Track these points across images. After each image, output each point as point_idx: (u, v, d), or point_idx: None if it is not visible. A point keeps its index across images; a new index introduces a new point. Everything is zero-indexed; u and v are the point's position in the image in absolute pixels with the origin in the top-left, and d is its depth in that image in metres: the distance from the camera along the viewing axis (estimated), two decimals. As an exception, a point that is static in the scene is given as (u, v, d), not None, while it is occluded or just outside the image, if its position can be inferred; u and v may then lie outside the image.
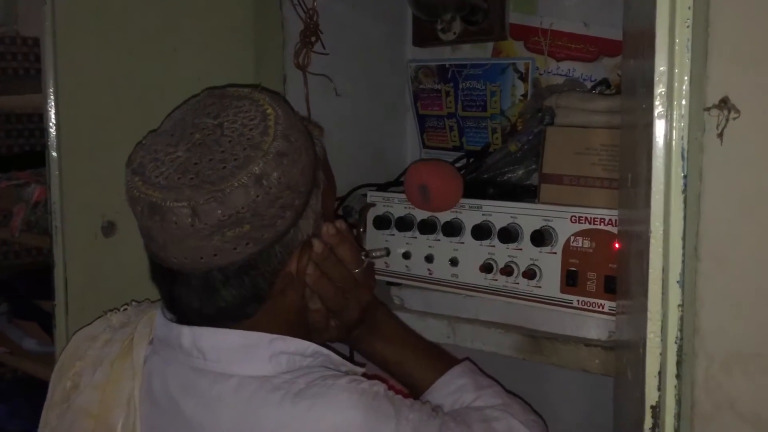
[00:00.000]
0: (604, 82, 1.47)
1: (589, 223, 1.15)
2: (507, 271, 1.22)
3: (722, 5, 0.67)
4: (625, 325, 0.96)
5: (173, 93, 1.10)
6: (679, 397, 0.69)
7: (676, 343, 0.69)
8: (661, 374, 0.69)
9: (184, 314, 0.98)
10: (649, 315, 0.69)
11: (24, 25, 2.40)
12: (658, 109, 0.69)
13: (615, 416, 1.10)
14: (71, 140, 1.29)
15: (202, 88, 1.04)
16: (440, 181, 1.27)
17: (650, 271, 0.69)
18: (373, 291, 1.12)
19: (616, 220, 1.12)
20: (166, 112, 1.01)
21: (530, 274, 1.19)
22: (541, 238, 1.17)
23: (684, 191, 0.68)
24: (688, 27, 0.67)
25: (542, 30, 1.60)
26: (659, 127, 0.69)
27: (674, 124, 0.68)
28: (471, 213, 1.26)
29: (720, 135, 0.68)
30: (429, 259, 1.31)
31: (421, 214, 1.32)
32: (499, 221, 1.23)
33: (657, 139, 0.69)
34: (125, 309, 1.13)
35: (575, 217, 1.16)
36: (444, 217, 1.29)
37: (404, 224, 1.33)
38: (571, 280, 1.16)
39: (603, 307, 1.14)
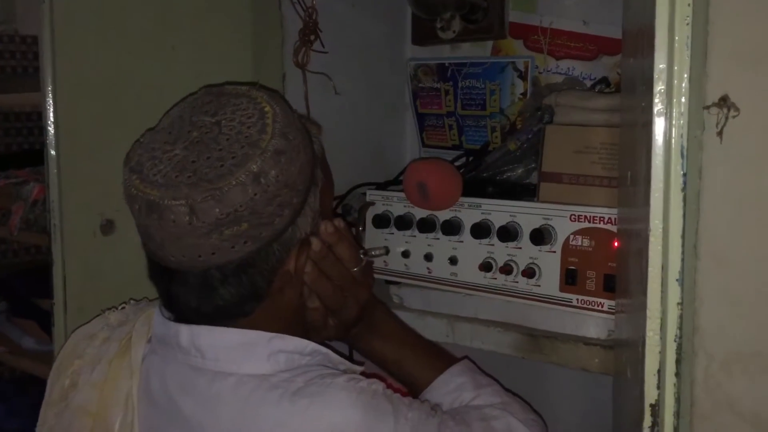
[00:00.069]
0: (604, 81, 1.47)
1: (589, 221, 1.15)
2: (506, 269, 1.21)
3: (722, 3, 0.67)
4: (624, 323, 0.95)
5: (172, 91, 1.10)
6: (679, 396, 0.69)
7: (675, 341, 0.69)
8: (661, 373, 0.69)
9: (182, 313, 0.98)
10: (648, 313, 0.69)
11: (23, 23, 2.40)
12: (658, 106, 0.68)
13: (614, 415, 1.10)
14: (70, 139, 1.29)
15: (200, 86, 1.04)
16: (439, 179, 1.26)
17: (649, 269, 0.69)
18: (371, 289, 1.12)
19: (615, 219, 1.12)
20: (164, 111, 1.01)
21: (529, 272, 1.19)
22: (540, 236, 1.17)
23: (683, 189, 0.68)
24: (687, 24, 0.67)
25: (542, 28, 1.60)
26: (659, 125, 0.68)
27: (674, 122, 0.68)
28: (470, 211, 1.26)
29: (719, 133, 0.68)
30: (428, 257, 1.31)
31: (420, 213, 1.32)
32: (498, 220, 1.23)
33: (656, 137, 0.68)
34: (123, 307, 1.13)
35: (574, 215, 1.16)
36: (443, 215, 1.29)
37: (403, 223, 1.33)
38: (570, 279, 1.16)
39: (602, 306, 1.14)
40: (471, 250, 1.26)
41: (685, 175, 0.68)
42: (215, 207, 0.86)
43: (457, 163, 1.53)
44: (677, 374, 0.69)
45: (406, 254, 1.34)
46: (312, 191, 0.97)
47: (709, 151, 0.68)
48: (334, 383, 0.92)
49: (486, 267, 1.24)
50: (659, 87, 0.68)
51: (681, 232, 0.68)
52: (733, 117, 0.67)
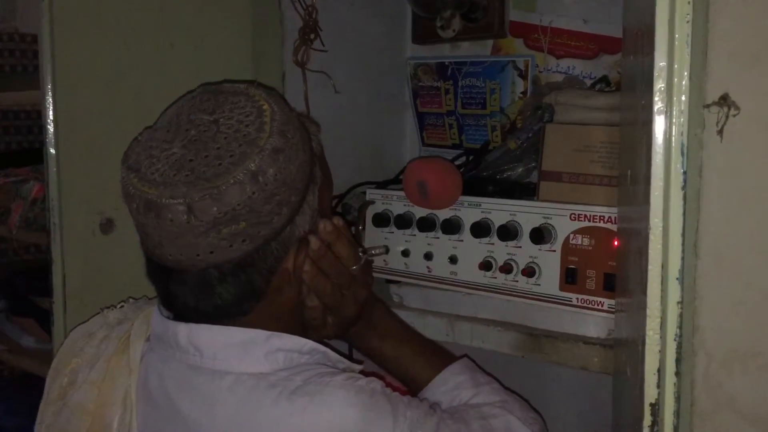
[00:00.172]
0: (604, 80, 1.46)
1: (589, 220, 1.14)
2: (506, 268, 1.21)
3: (723, 1, 0.67)
4: (624, 322, 0.95)
5: (171, 90, 1.10)
6: (679, 395, 0.69)
7: (675, 340, 0.68)
8: (661, 372, 0.69)
9: (181, 311, 0.98)
10: (648, 312, 0.69)
11: (23, 21, 2.39)
12: (658, 105, 0.68)
13: (614, 414, 1.09)
14: (69, 137, 1.29)
15: (199, 84, 1.04)
16: (438, 177, 1.26)
17: (649, 268, 0.69)
18: (370, 288, 1.12)
19: (615, 218, 1.12)
20: (164, 109, 1.01)
21: (529, 271, 1.19)
22: (540, 235, 1.17)
23: (683, 188, 0.68)
24: (688, 22, 0.67)
25: (542, 27, 1.59)
26: (659, 124, 0.68)
27: (674, 121, 0.68)
28: (470, 210, 1.26)
29: (720, 132, 0.67)
30: (428, 256, 1.31)
31: (420, 212, 1.32)
32: (498, 219, 1.23)
33: (656, 136, 0.68)
34: (122, 306, 1.13)
35: (574, 214, 1.16)
36: (443, 214, 1.29)
37: (403, 222, 1.33)
38: (570, 278, 1.16)
39: (602, 305, 1.14)
40: (471, 249, 1.26)
41: (685, 173, 0.68)
42: (213, 206, 0.86)
43: (457, 162, 1.53)
44: (677, 373, 0.69)
45: (405, 253, 1.34)
46: (311, 190, 0.97)
47: (709, 149, 0.68)
48: (333, 382, 0.92)
49: (486, 266, 1.23)
50: (659, 85, 0.68)
51: (681, 230, 0.68)
52: (734, 116, 0.67)
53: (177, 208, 0.86)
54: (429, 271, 1.31)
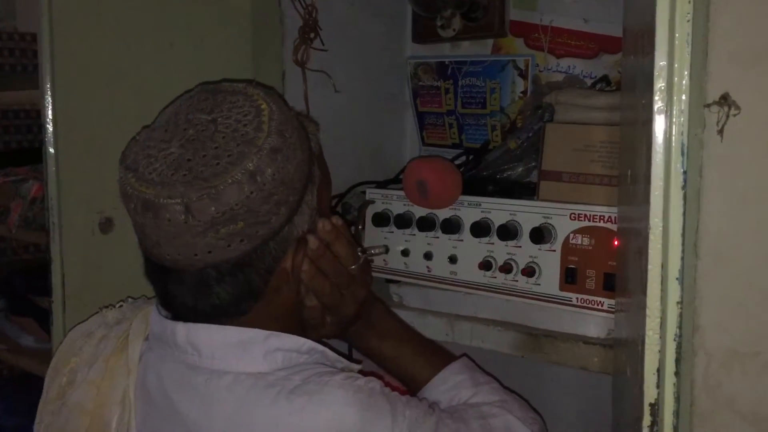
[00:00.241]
0: (605, 79, 1.46)
1: (589, 220, 1.14)
2: (506, 268, 1.21)
3: (723, 0, 0.67)
4: (624, 322, 0.95)
5: (171, 89, 1.10)
6: (678, 395, 0.69)
7: (675, 340, 0.68)
8: (660, 372, 0.69)
9: (179, 311, 0.98)
10: (647, 312, 0.69)
11: (22, 20, 2.39)
12: (658, 104, 0.68)
13: (614, 414, 1.09)
14: (68, 136, 1.28)
15: (199, 84, 1.04)
16: (438, 177, 1.26)
17: (649, 267, 0.69)
18: (369, 287, 1.12)
19: (615, 218, 1.12)
20: (163, 108, 1.01)
21: (529, 271, 1.19)
22: (540, 235, 1.17)
23: (684, 187, 0.68)
24: (688, 21, 0.66)
25: (542, 27, 1.59)
26: (659, 123, 0.68)
27: (674, 120, 0.67)
28: (470, 210, 1.26)
29: (720, 131, 0.67)
30: (428, 256, 1.31)
31: (420, 211, 1.32)
32: (498, 218, 1.23)
33: (657, 135, 0.68)
34: (121, 306, 1.13)
35: (574, 214, 1.15)
36: (443, 214, 1.29)
37: (403, 221, 1.33)
38: (570, 278, 1.16)
39: (602, 305, 1.14)
40: (471, 249, 1.26)
41: (685, 173, 0.68)
42: (211, 205, 0.86)
43: (457, 162, 1.53)
44: (677, 373, 0.68)
45: (405, 253, 1.34)
46: (309, 189, 0.97)
47: (709, 149, 0.68)
48: (331, 381, 0.92)
49: (486, 266, 1.23)
50: (659, 84, 0.68)
51: (681, 230, 0.68)
52: (734, 115, 0.67)
53: (175, 208, 0.86)
54: (429, 271, 1.31)
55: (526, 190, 1.34)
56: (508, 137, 1.47)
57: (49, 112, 1.27)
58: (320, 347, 0.99)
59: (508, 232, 1.20)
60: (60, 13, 1.26)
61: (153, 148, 0.92)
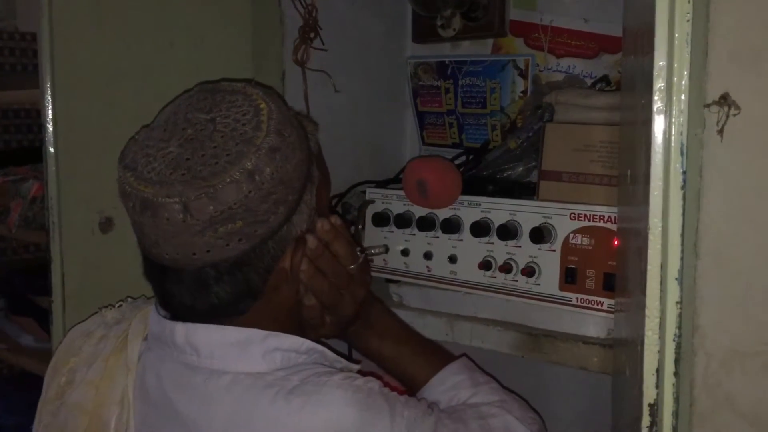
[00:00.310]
0: (605, 79, 1.46)
1: (589, 220, 1.14)
2: (506, 268, 1.21)
3: (723, 0, 0.67)
4: (623, 322, 0.95)
5: (171, 88, 1.10)
6: (677, 395, 0.69)
7: (674, 340, 0.68)
8: (659, 372, 0.69)
9: (178, 311, 0.98)
10: (647, 312, 0.69)
11: (23, 20, 2.39)
12: (657, 104, 0.68)
13: (613, 414, 1.09)
14: (68, 136, 1.28)
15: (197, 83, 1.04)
16: (438, 177, 1.26)
17: (648, 268, 0.69)
18: (368, 287, 1.12)
19: (615, 217, 1.12)
20: (162, 108, 1.01)
21: (529, 271, 1.19)
22: (540, 235, 1.17)
23: (683, 187, 0.68)
24: (688, 21, 0.66)
25: (542, 26, 1.59)
26: (658, 123, 0.68)
27: (673, 120, 0.67)
28: (470, 210, 1.26)
29: (720, 131, 0.67)
30: (428, 256, 1.31)
31: (419, 211, 1.31)
32: (498, 218, 1.23)
33: (656, 135, 0.68)
34: (120, 305, 1.13)
35: (574, 214, 1.15)
36: (443, 214, 1.29)
37: (403, 221, 1.32)
38: (570, 278, 1.16)
39: (602, 305, 1.13)
40: (470, 249, 1.25)
41: (684, 173, 0.68)
42: (209, 204, 0.86)
43: (457, 162, 1.53)
44: (676, 374, 0.68)
45: (405, 252, 1.34)
46: (308, 189, 0.97)
47: (709, 149, 0.68)
48: (330, 381, 0.92)
49: (485, 266, 1.23)
50: (659, 84, 0.68)
51: (680, 230, 0.68)
52: (734, 115, 0.67)
53: (173, 207, 0.86)
54: (428, 271, 1.31)
55: (525, 190, 1.34)
56: (508, 137, 1.47)
57: (49, 111, 1.27)
58: (319, 347, 0.99)
59: (507, 232, 1.20)
60: (60, 12, 1.26)
61: (152, 147, 0.92)
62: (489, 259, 1.23)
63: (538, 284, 1.19)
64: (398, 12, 1.76)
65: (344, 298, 1.06)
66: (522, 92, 1.62)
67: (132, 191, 0.89)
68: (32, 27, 2.28)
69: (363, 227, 1.39)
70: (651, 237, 0.68)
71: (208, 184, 0.86)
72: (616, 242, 1.11)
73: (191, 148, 0.89)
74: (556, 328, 1.20)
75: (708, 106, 0.67)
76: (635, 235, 0.79)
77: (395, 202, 1.35)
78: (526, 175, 1.40)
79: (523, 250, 1.20)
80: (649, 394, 0.69)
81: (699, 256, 0.69)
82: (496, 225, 1.22)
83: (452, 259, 1.28)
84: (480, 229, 1.23)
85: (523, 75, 1.62)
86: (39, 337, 2.13)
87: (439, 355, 1.17)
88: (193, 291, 0.94)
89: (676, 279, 0.68)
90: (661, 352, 0.69)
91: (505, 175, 1.41)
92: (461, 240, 1.27)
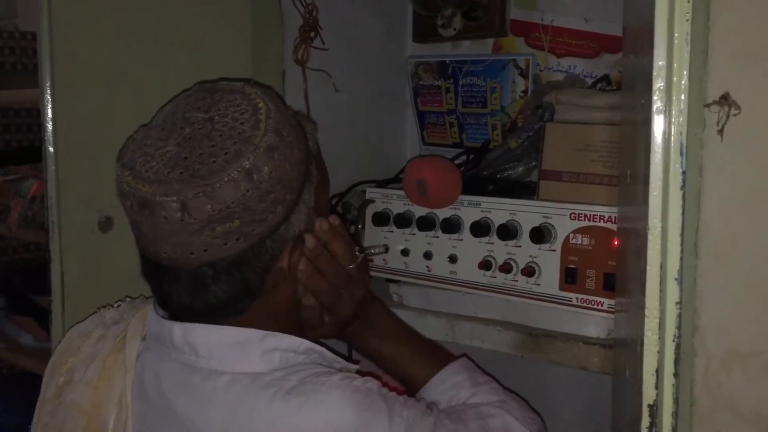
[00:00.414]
0: (605, 79, 1.46)
1: (589, 220, 1.14)
2: (506, 268, 1.21)
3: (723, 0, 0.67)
4: (623, 322, 0.95)
5: (170, 88, 1.09)
6: (677, 396, 0.68)
7: (674, 341, 0.68)
8: (659, 373, 0.68)
9: (175, 310, 0.98)
10: (646, 312, 0.69)
11: (23, 19, 2.39)
12: (657, 104, 0.68)
13: (613, 414, 1.09)
14: (68, 135, 1.28)
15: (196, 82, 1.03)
16: (438, 177, 1.26)
17: (648, 268, 0.68)
18: (367, 287, 1.11)
19: (615, 217, 1.11)
20: (161, 107, 1.00)
21: (529, 271, 1.19)
22: (540, 235, 1.17)
23: (682, 187, 0.67)
24: (687, 21, 0.66)
25: (543, 26, 1.59)
26: (658, 123, 0.68)
27: (673, 120, 0.67)
28: (470, 210, 1.26)
29: (720, 131, 0.67)
30: (428, 256, 1.31)
31: (419, 211, 1.31)
32: (498, 218, 1.22)
33: (655, 135, 0.68)
34: (119, 305, 1.12)
35: (574, 214, 1.15)
36: (443, 213, 1.28)
37: (403, 221, 1.32)
38: (570, 278, 1.15)
39: (602, 305, 1.13)
40: (470, 249, 1.25)
41: (684, 173, 0.67)
42: (207, 203, 0.86)
43: (457, 161, 1.52)
44: (676, 374, 0.68)
45: (405, 252, 1.33)
46: (306, 188, 0.97)
47: (709, 149, 0.68)
48: (329, 382, 0.92)
49: (485, 265, 1.23)
50: (658, 84, 0.68)
51: (680, 230, 0.68)
52: (734, 115, 0.66)
53: (171, 206, 0.86)
54: (428, 271, 1.31)
55: (526, 190, 1.34)
56: (508, 137, 1.47)
57: (49, 110, 1.27)
58: (318, 347, 0.98)
59: (508, 232, 1.20)
60: (60, 12, 1.26)
61: (150, 146, 0.92)
62: (489, 258, 1.23)
63: (538, 284, 1.19)
64: (399, 11, 1.76)
65: (343, 298, 1.05)
66: (522, 92, 1.62)
67: (130, 190, 0.89)
68: (32, 26, 2.29)
69: (363, 227, 1.39)
70: (651, 237, 0.68)
71: (206, 183, 0.86)
72: (616, 242, 1.11)
73: (189, 147, 0.89)
74: (556, 328, 1.19)
75: (708, 105, 0.67)
76: (635, 235, 0.78)
77: (395, 202, 1.35)
78: (526, 174, 1.39)
79: (523, 250, 1.20)
80: (648, 395, 0.69)
81: (699, 257, 0.69)
82: (496, 225, 1.22)
83: (452, 259, 1.27)
84: (480, 228, 1.23)
85: (524, 74, 1.62)
86: (38, 337, 2.13)
87: (438, 355, 1.17)
88: (190, 290, 0.93)
89: (675, 279, 0.68)
90: (661, 352, 0.68)
91: (505, 174, 1.41)
92: (461, 240, 1.27)
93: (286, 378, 0.93)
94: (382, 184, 1.51)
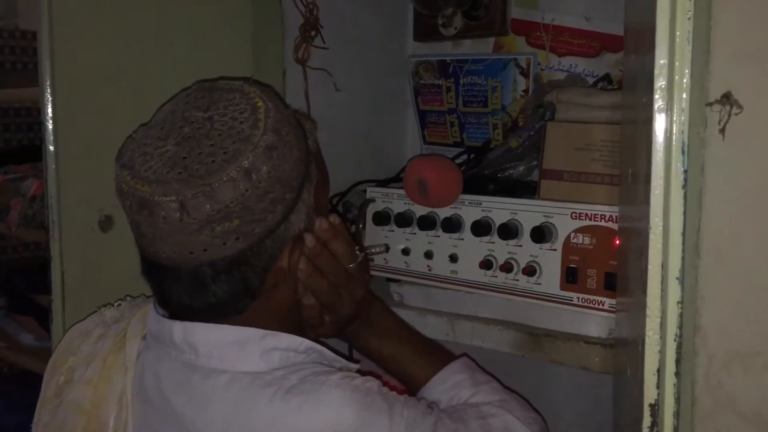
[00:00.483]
0: (606, 78, 1.46)
1: (590, 219, 1.14)
2: (507, 267, 1.21)
3: (725, -2, 0.67)
4: (624, 322, 0.95)
5: (171, 87, 1.09)
6: (678, 396, 0.68)
7: (675, 340, 0.68)
8: (660, 372, 0.68)
9: (175, 310, 0.97)
10: (648, 312, 0.68)
11: (24, 18, 2.39)
12: (659, 103, 0.68)
13: (614, 414, 1.09)
14: (68, 134, 1.28)
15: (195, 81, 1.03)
16: (439, 176, 1.26)
17: (649, 267, 0.68)
18: (367, 286, 1.11)
19: (616, 217, 1.11)
20: (160, 106, 1.00)
21: (530, 270, 1.19)
22: (541, 234, 1.16)
23: (684, 186, 0.67)
24: (689, 19, 0.66)
25: (544, 25, 1.59)
26: (659, 122, 0.68)
27: (675, 119, 0.67)
28: (471, 209, 1.25)
29: (722, 130, 0.67)
30: (428, 255, 1.30)
31: (420, 210, 1.31)
32: (499, 217, 1.22)
33: (657, 134, 0.68)
34: (119, 304, 1.12)
35: (576, 213, 1.15)
36: (443, 213, 1.28)
37: (404, 220, 1.32)
38: (571, 277, 1.15)
39: (603, 305, 1.13)
40: (471, 248, 1.25)
41: (686, 172, 0.67)
42: (206, 203, 0.86)
43: (458, 161, 1.52)
44: (677, 374, 0.68)
45: (406, 252, 1.33)
46: (306, 187, 0.96)
47: (711, 148, 0.67)
48: (329, 381, 0.92)
49: (486, 265, 1.23)
50: (660, 83, 0.67)
51: (681, 230, 0.67)
52: (736, 114, 0.66)
53: (170, 206, 0.86)
54: (429, 270, 1.31)
55: (527, 189, 1.34)
56: (509, 136, 1.46)
57: (49, 110, 1.27)
58: (318, 346, 0.98)
59: (508, 231, 1.20)
60: (60, 11, 1.26)
61: (149, 145, 0.92)
62: (490, 258, 1.23)
63: (539, 283, 1.19)
64: (399, 10, 1.76)
65: (343, 298, 1.05)
66: (523, 91, 1.62)
67: (129, 190, 0.89)
68: (33, 25, 2.28)
69: (364, 226, 1.39)
70: (652, 236, 0.68)
71: (204, 182, 0.86)
72: (617, 241, 1.11)
73: (188, 147, 0.89)
74: (557, 327, 1.19)
75: (710, 104, 0.67)
76: (636, 235, 0.78)
77: (396, 201, 1.35)
78: (527, 174, 1.39)
79: (524, 250, 1.20)
80: (650, 395, 0.68)
81: (700, 256, 0.68)
82: (497, 224, 1.22)
83: (453, 259, 1.27)
84: (481, 228, 1.22)
85: (525, 74, 1.62)
86: (39, 336, 2.13)
87: (439, 355, 1.17)
88: (190, 290, 0.93)
89: (677, 278, 0.68)
90: (662, 352, 0.68)
91: (506, 174, 1.41)
92: (462, 239, 1.26)
93: (286, 377, 0.92)
94: (383, 183, 1.51)
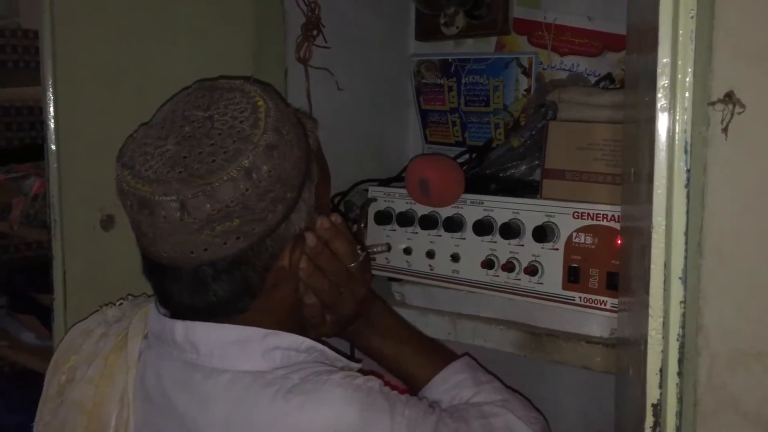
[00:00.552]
0: (609, 77, 1.46)
1: (592, 218, 1.14)
2: (508, 267, 1.21)
3: (728, -4, 0.66)
4: (627, 322, 0.95)
5: (173, 86, 1.09)
6: (681, 396, 0.68)
7: (678, 340, 0.68)
8: (663, 372, 0.68)
9: (177, 309, 0.97)
10: (650, 312, 0.68)
11: (26, 17, 2.40)
12: (661, 102, 0.67)
13: (617, 414, 1.09)
14: (70, 133, 1.28)
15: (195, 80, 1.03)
16: (441, 175, 1.26)
17: (652, 266, 0.68)
18: (369, 285, 1.11)
19: (618, 216, 1.11)
20: (161, 106, 1.00)
21: (532, 270, 1.19)
22: (543, 234, 1.16)
23: (687, 185, 0.67)
24: (692, 18, 0.66)
25: (546, 24, 1.59)
26: (662, 121, 0.67)
27: (677, 118, 0.67)
28: (472, 208, 1.25)
29: (725, 130, 0.67)
30: (430, 254, 1.30)
31: (422, 210, 1.31)
32: (500, 217, 1.22)
33: (660, 133, 0.68)
34: (121, 303, 1.12)
35: (578, 212, 1.15)
36: (445, 212, 1.28)
37: (405, 219, 1.32)
38: (573, 277, 1.15)
39: (605, 304, 1.13)
40: (473, 247, 1.25)
41: (688, 171, 0.67)
42: (206, 203, 0.86)
43: (460, 160, 1.52)
44: (680, 374, 0.68)
45: (407, 251, 1.33)
46: (307, 186, 0.96)
47: (714, 147, 0.67)
48: (330, 380, 0.92)
49: (488, 264, 1.23)
50: (663, 82, 0.67)
51: (684, 229, 0.67)
52: (739, 113, 0.66)
53: (170, 206, 0.86)
54: (431, 269, 1.31)
55: (529, 189, 1.34)
56: (511, 135, 1.46)
57: (51, 109, 1.26)
58: (319, 346, 0.98)
59: (510, 231, 1.20)
60: (62, 10, 1.25)
61: (149, 145, 0.91)
62: (492, 257, 1.23)
63: (541, 283, 1.18)
64: (401, 10, 1.76)
65: (344, 297, 1.05)
66: (525, 90, 1.62)
67: (129, 189, 0.88)
68: (35, 24, 2.29)
69: (365, 225, 1.39)
70: (654, 236, 0.68)
71: (205, 182, 0.86)
72: (619, 241, 1.11)
73: (188, 146, 0.89)
74: (558, 327, 1.19)
75: (712, 104, 0.67)
76: (639, 234, 0.78)
77: (398, 201, 1.34)
78: (529, 173, 1.39)
79: (526, 249, 1.20)
80: (652, 394, 0.68)
81: (703, 255, 0.68)
82: (499, 223, 1.22)
83: (455, 258, 1.27)
84: (483, 227, 1.22)
85: (527, 73, 1.61)
86: (40, 335, 2.13)
87: (440, 354, 1.17)
88: (191, 289, 0.93)
89: (679, 278, 0.68)
90: (665, 351, 0.68)
91: (508, 173, 1.41)
92: (464, 239, 1.26)
93: (288, 376, 0.92)
94: (385, 182, 1.51)
